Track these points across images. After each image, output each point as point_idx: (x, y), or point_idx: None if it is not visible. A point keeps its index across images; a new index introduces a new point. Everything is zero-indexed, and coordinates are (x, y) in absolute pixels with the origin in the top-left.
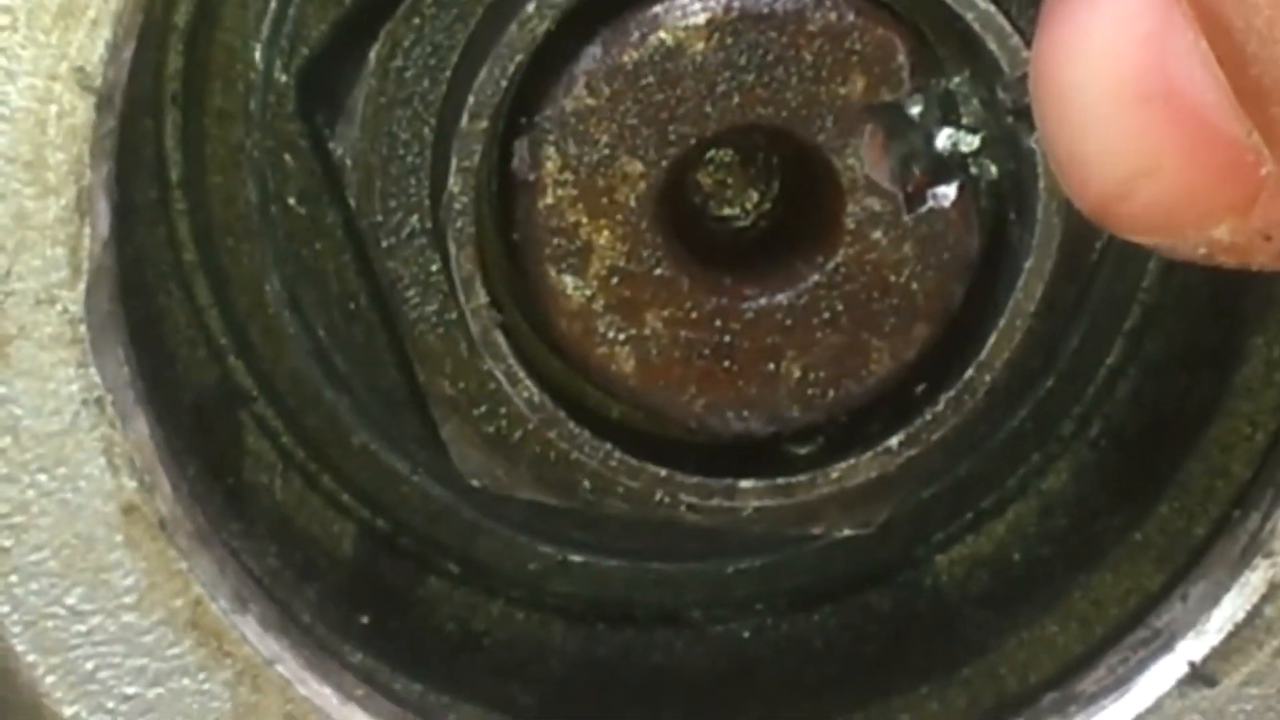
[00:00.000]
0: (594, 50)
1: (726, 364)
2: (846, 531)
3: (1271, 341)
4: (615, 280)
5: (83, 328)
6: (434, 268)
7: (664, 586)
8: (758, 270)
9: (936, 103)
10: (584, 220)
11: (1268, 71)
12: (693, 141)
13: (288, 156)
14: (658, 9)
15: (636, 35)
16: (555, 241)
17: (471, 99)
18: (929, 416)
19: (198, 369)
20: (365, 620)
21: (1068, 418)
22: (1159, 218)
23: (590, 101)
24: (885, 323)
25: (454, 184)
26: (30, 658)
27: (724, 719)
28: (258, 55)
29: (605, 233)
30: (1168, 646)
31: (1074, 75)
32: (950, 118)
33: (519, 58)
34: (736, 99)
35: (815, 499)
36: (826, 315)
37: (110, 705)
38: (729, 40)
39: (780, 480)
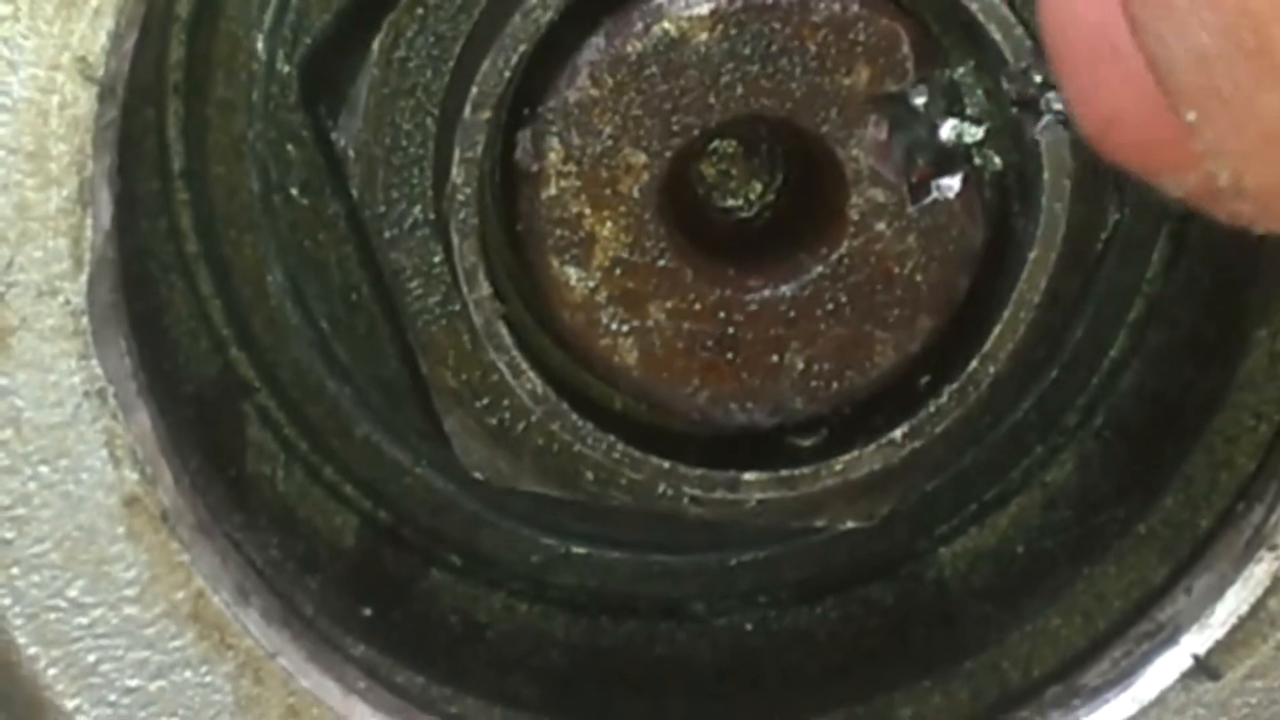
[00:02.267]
0: (597, 41)
1: (730, 356)
2: (850, 524)
3: (1276, 333)
4: (618, 271)
5: (85, 319)
6: (437, 259)
7: (667, 579)
8: (761, 261)
9: (941, 93)
10: (587, 211)
11: (1156, 61)
12: (696, 132)
13: (290, 147)
14: None
15: (640, 25)
16: (558, 233)
17: (475, 89)
18: (933, 408)
19: (200, 360)
20: (368, 612)
21: (1071, 409)
22: (1137, 159)
23: (594, 92)
24: (889, 314)
25: (457, 175)
26: (32, 650)
27: (726, 711)
28: (260, 45)
29: (608, 224)
30: (1171, 639)
31: (1058, 16)
32: (954, 108)
33: (522, 48)
34: (740, 89)
35: (818, 491)
36: (830, 307)
37: (112, 698)
38: (733, 30)
39: (784, 472)
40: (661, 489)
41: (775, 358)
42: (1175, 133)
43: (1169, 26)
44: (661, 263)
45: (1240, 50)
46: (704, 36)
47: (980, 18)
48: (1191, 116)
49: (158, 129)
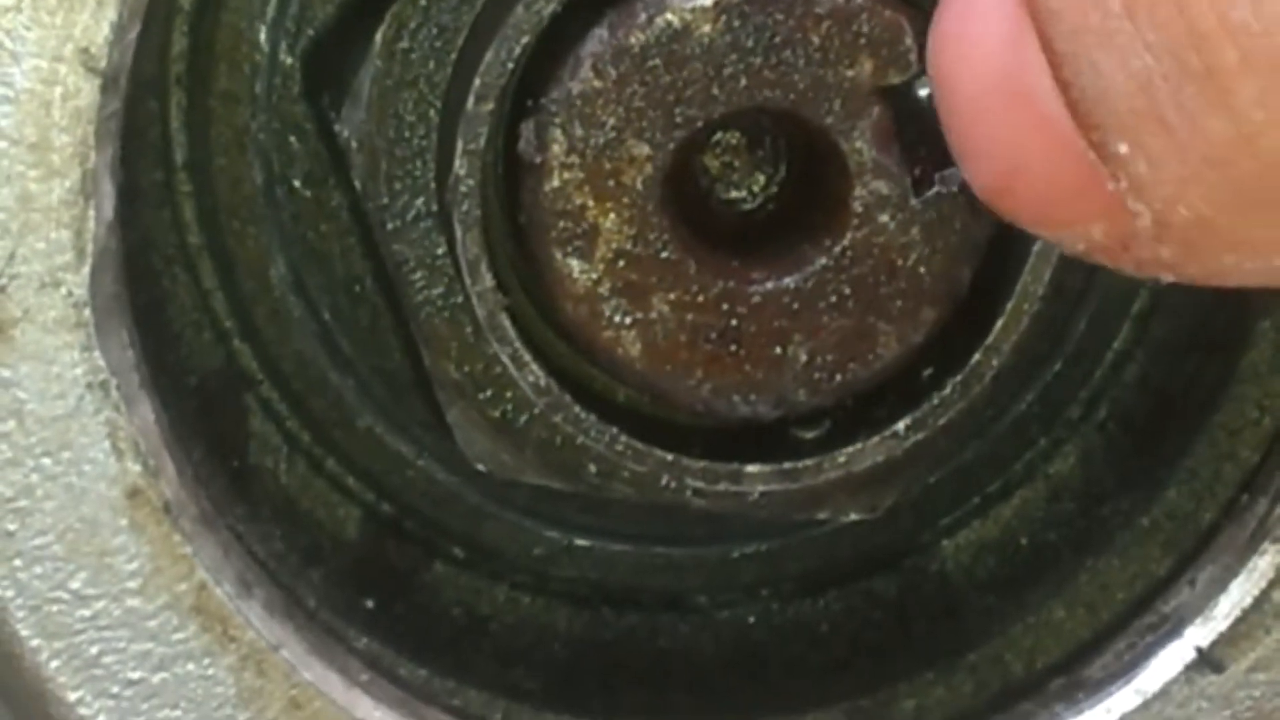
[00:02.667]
0: (600, 32)
1: (733, 348)
2: (853, 516)
3: (1279, 325)
4: (621, 263)
5: (87, 311)
6: (440, 251)
7: (669, 571)
8: (764, 254)
9: None
10: (590, 203)
11: (1082, 97)
12: (699, 124)
13: (293, 139)
14: None
15: (643, 17)
16: (561, 224)
17: (478, 81)
18: (936, 400)
19: (203, 352)
20: (370, 605)
21: (1075, 402)
22: (1037, 213)
23: (597, 84)
24: (892, 306)
25: (460, 166)
26: (34, 643)
27: (729, 704)
28: (263, 37)
29: (612, 216)
30: (1175, 632)
31: (953, 64)
32: None
33: (525, 40)
34: (743, 81)
35: (822, 483)
36: (834, 299)
37: (114, 690)
38: (736, 23)
39: (787, 464)
40: (665, 481)
41: (778, 350)
42: (1087, 178)
43: (1107, 53)
44: (665, 255)
45: (1186, 72)
46: (707, 28)
47: None
48: (1123, 149)
49: (160, 121)
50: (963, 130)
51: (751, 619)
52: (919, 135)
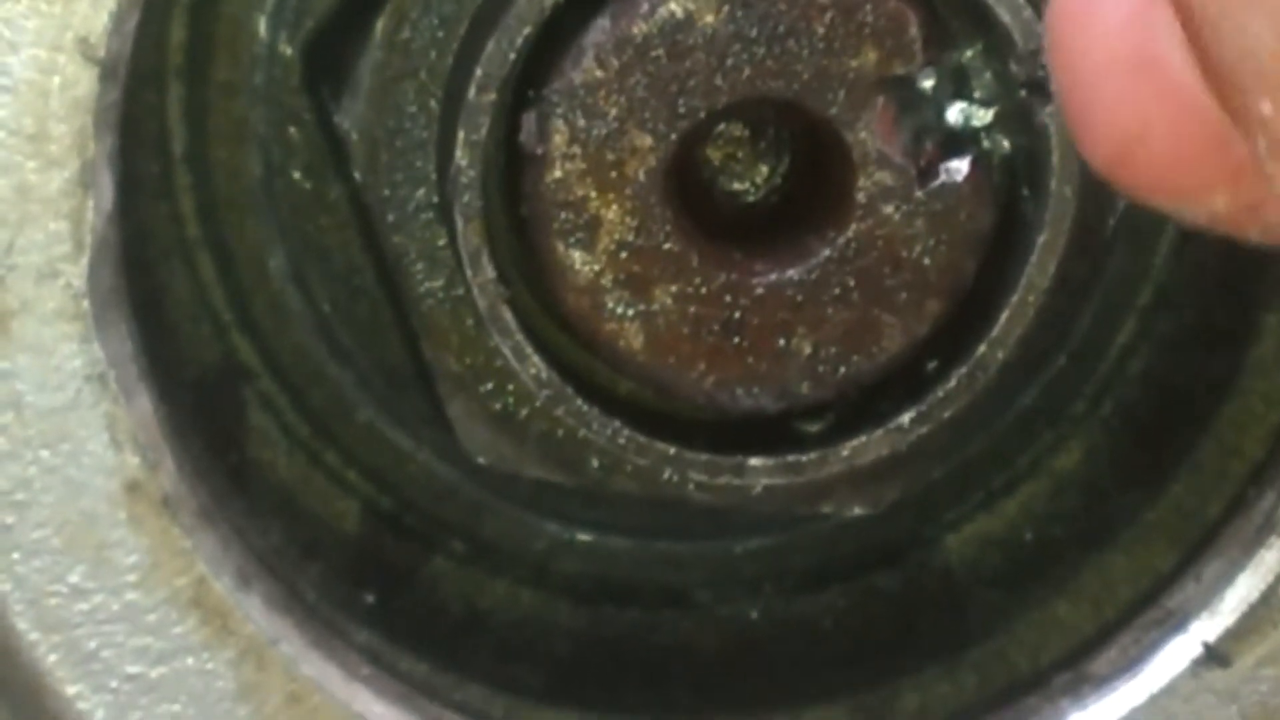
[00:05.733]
0: (603, 22)
1: (736, 340)
2: (856, 511)
3: None
4: (624, 255)
5: (85, 302)
6: (440, 242)
7: (671, 566)
8: (768, 245)
9: (949, 76)
10: (592, 194)
11: (1223, 59)
12: (702, 115)
13: (292, 130)
14: None
15: (646, 7)
16: (563, 216)
17: (479, 71)
18: (940, 394)
19: (201, 345)
20: (370, 599)
21: (1080, 396)
22: (1158, 183)
23: (599, 74)
24: (897, 298)
25: (461, 157)
26: (32, 636)
27: (731, 699)
28: (263, 27)
29: (614, 207)
30: (1181, 627)
31: (1076, 37)
32: (963, 91)
33: (527, 29)
34: (747, 72)
35: (825, 477)
36: (837, 291)
37: (113, 684)
38: (739, 12)
39: (790, 458)
40: (667, 474)
41: (782, 342)
42: (1216, 144)
43: (1255, 13)
44: (667, 246)
45: None
46: (710, 18)
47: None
48: (1267, 108)
49: (159, 111)
50: (1083, 101)
51: (754, 614)
52: (923, 126)
